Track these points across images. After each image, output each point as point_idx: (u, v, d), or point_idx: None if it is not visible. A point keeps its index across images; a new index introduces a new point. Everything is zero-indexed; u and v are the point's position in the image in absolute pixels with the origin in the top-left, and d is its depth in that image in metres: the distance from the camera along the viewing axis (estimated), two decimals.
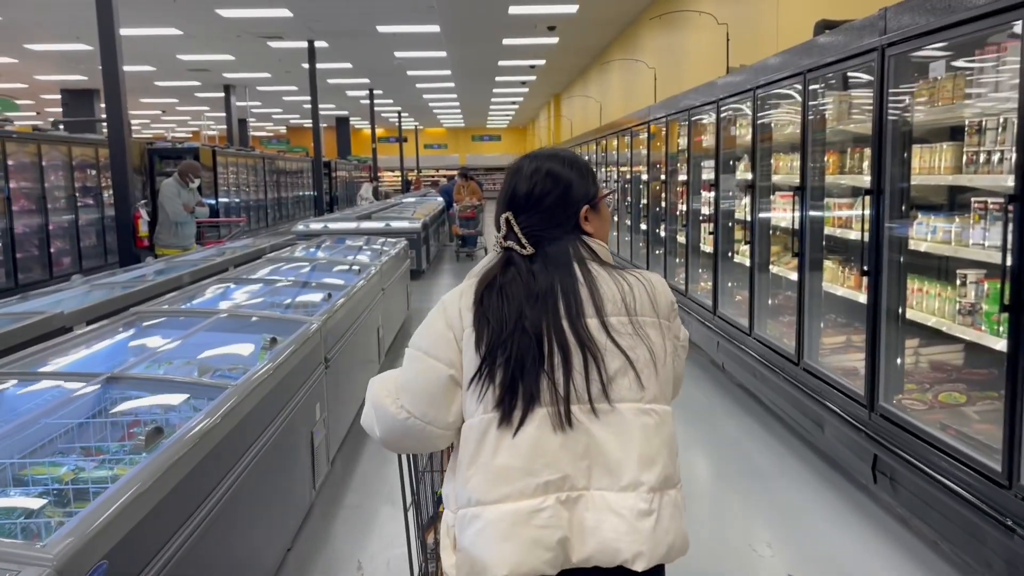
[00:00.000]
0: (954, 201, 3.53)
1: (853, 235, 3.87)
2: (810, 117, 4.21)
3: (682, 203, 7.08)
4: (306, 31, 15.19)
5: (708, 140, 6.29)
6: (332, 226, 11.26)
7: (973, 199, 3.09)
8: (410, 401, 1.57)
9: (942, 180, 3.30)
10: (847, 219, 4.08)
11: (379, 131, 39.57)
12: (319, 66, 18.76)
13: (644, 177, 8.74)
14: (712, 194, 5.97)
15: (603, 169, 11.63)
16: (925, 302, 3.44)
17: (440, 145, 42.13)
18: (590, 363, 1.49)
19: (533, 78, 22.84)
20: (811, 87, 4.15)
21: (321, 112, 32.05)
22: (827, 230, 4.23)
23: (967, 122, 3.11)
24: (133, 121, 35.50)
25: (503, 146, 41.65)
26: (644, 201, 8.79)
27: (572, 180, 1.63)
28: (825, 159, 4.23)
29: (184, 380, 2.85)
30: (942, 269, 3.65)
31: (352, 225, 11.31)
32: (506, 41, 16.48)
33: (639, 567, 1.44)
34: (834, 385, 3.90)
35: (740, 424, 5.12)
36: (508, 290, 1.54)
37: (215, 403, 2.49)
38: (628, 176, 9.72)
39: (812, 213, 4.29)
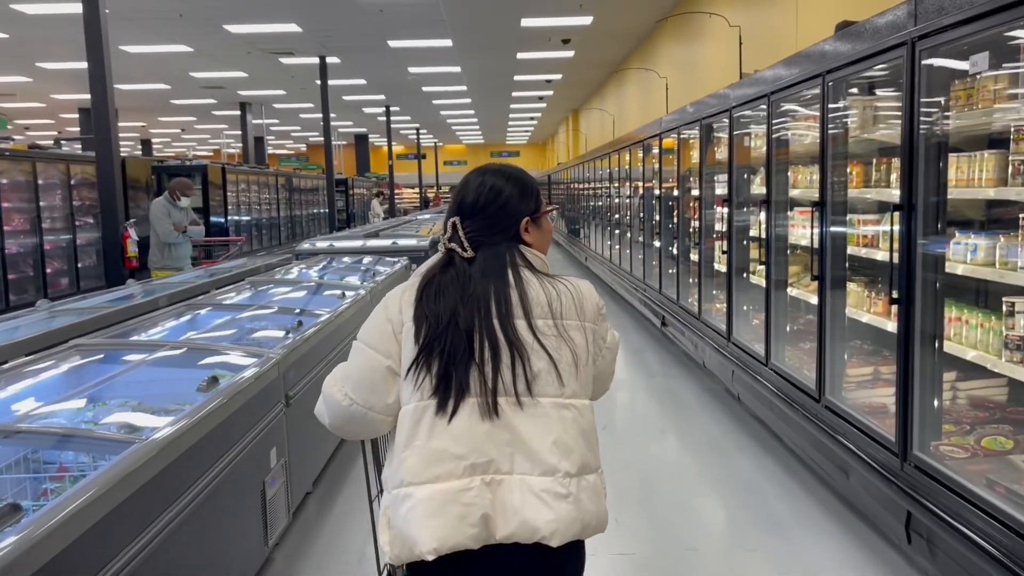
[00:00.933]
0: (997, 218, 3.07)
1: (880, 255, 3.41)
2: (830, 125, 3.77)
3: (695, 219, 6.64)
4: (317, 47, 14.98)
5: (721, 152, 5.85)
6: (337, 244, 10.86)
7: (1022, 215, 2.64)
8: (353, 389, 1.72)
9: (983, 194, 2.85)
10: (873, 237, 3.63)
11: (398, 148, 39.60)
12: (333, 82, 18.62)
13: (656, 192, 8.31)
14: (725, 210, 5.52)
15: (615, 185, 11.20)
16: (965, 332, 2.98)
17: (459, 162, 41.94)
18: (516, 360, 1.64)
19: (550, 93, 22.51)
20: (831, 92, 3.70)
21: (340, 129, 32.67)
22: (850, 249, 3.78)
23: (1012, 128, 2.67)
24: (154, 140, 35.76)
25: (522, 162, 41.32)
26: (657, 217, 8.35)
27: (513, 195, 1.79)
28: (848, 171, 3.79)
29: (81, 433, 2.46)
30: (983, 294, 3.19)
31: (358, 243, 10.94)
32: (521, 55, 16.18)
33: (554, 543, 1.59)
34: (860, 427, 3.43)
35: (757, 463, 4.65)
36: (446, 289, 1.69)
37: (97, 475, 2.07)
38: (640, 191, 9.29)
39: (834, 229, 3.84)
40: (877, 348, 3.91)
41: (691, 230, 6.97)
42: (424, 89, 21.09)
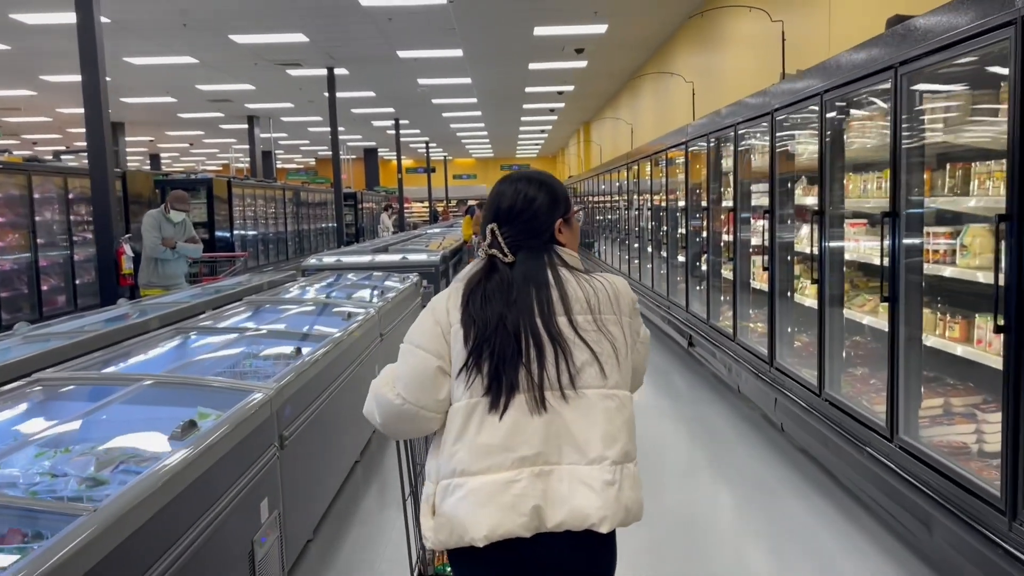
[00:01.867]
0: None
1: (981, 276, 2.92)
2: (904, 126, 3.29)
3: (727, 233, 6.17)
4: (325, 57, 14.63)
5: (760, 160, 5.39)
6: (345, 259, 10.48)
7: None
8: (405, 388, 1.78)
9: None
10: (947, 252, 3.15)
11: (408, 162, 39.31)
12: (341, 95, 18.27)
13: (681, 204, 7.83)
14: (766, 222, 5.05)
15: (633, 197, 10.74)
16: None
17: (469, 175, 41.59)
18: (560, 356, 1.71)
19: (561, 105, 22.12)
20: (907, 87, 3.23)
21: (349, 143, 32.40)
22: (929, 267, 3.29)
23: None
24: (163, 155, 35.54)
25: None
26: (681, 231, 7.88)
27: (545, 201, 1.86)
28: (924, 177, 3.31)
29: (18, 503, 2.00)
30: None
31: (366, 259, 10.52)
32: (533, 65, 15.79)
33: (604, 529, 1.67)
34: (949, 475, 2.94)
35: (810, 506, 4.15)
36: (492, 294, 1.77)
37: (27, 561, 1.62)
38: (664, 203, 8.82)
39: (908, 241, 3.36)
40: (960, 381, 3.42)
41: (721, 244, 6.50)
42: (434, 101, 20.73)
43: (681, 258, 7.78)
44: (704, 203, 6.96)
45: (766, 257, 5.05)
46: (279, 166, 35.82)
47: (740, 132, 5.66)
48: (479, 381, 1.71)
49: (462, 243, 14.41)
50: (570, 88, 19.01)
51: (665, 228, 8.47)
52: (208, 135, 28.09)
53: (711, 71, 10.72)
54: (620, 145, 17.26)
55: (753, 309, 5.74)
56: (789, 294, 4.93)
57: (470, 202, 15.93)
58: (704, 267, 6.95)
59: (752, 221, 5.66)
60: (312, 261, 10.52)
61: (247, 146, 24.25)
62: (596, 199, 16.06)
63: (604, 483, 1.67)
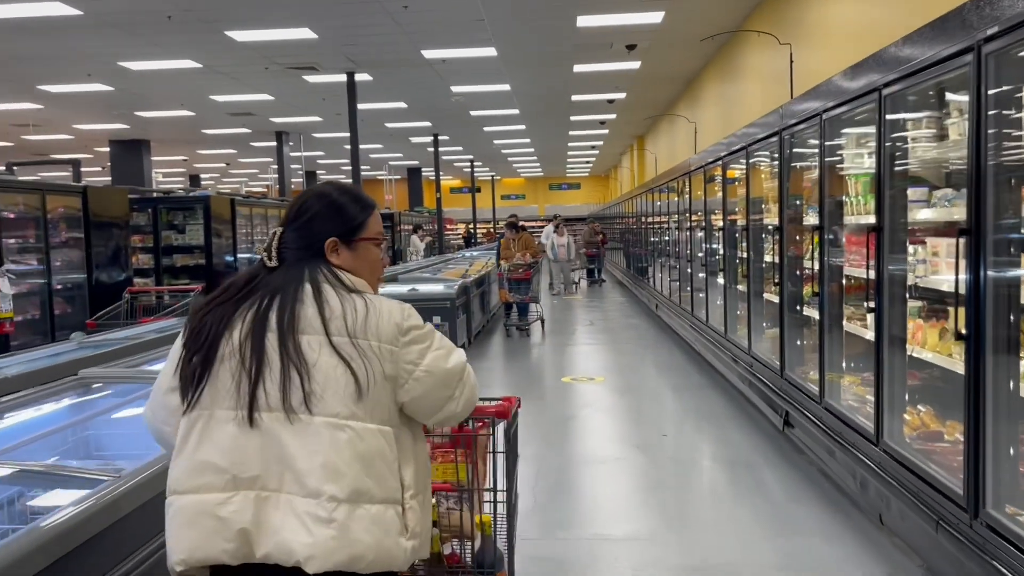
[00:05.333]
0: None
1: None
2: None
3: (808, 258, 4.21)
4: (342, 60, 13.01)
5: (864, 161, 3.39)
6: None
7: None
8: (151, 403, 1.71)
9: None
10: None
11: (454, 182, 37.88)
12: (370, 106, 16.78)
13: (741, 223, 5.89)
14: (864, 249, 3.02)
15: (687, 217, 8.69)
16: None
17: (517, 196, 39.99)
18: (292, 375, 1.56)
19: (612, 116, 20.20)
20: None
21: (391, 162, 31.00)
22: None
23: None
24: (202, 176, 34.70)
25: (583, 195, 39.15)
26: (742, 255, 5.94)
27: (321, 212, 1.72)
28: None
29: None
30: None
31: None
32: (578, 67, 13.92)
33: (311, 569, 1.50)
34: None
35: None
36: (232, 296, 1.65)
37: None
38: (741, 222, 6.78)
39: None
40: None
41: (803, 272, 4.51)
42: (472, 114, 19.05)
43: (741, 287, 5.73)
44: (775, 220, 4.94)
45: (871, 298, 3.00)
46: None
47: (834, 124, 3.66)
48: (190, 392, 1.59)
49: (490, 270, 12.47)
50: (621, 95, 17.08)
51: (743, 255, 6.39)
52: (242, 154, 26.98)
53: (785, 69, 8.63)
54: (679, 153, 15.17)
55: (850, 361, 3.74)
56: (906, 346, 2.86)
57: (502, 222, 14.01)
58: (770, 297, 4.92)
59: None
60: None
61: (293, 166, 22.99)
62: (648, 220, 14.05)
63: (316, 519, 1.51)
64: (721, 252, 7.17)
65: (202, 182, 34.42)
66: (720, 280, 7.21)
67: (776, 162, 5.22)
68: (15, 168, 10.48)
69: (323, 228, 1.70)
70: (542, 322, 11.61)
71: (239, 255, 13.05)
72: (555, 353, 9.98)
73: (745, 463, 5.20)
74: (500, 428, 2.22)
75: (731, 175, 6.89)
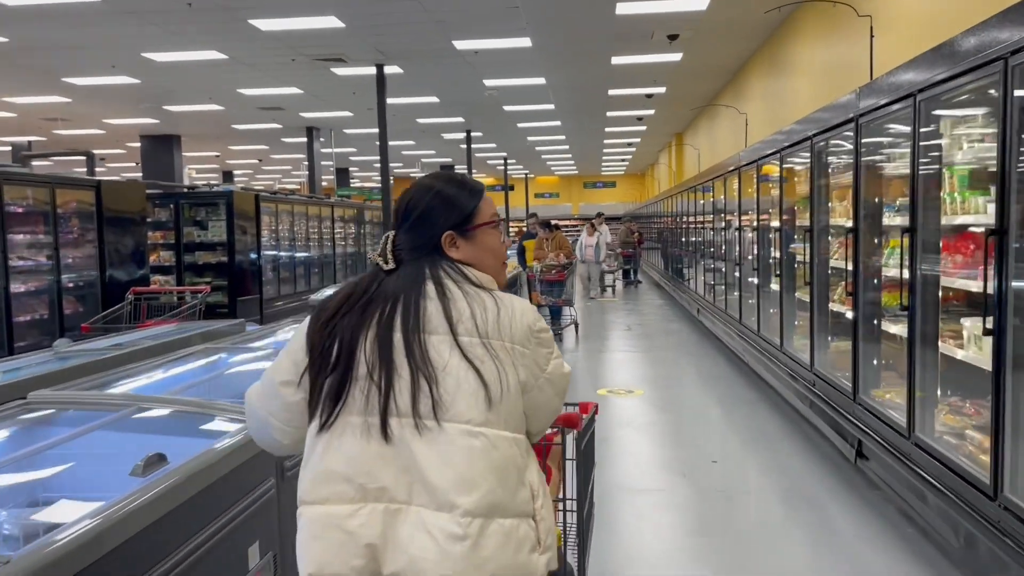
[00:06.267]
0: None
1: None
2: None
3: (888, 264, 3.58)
4: (371, 51, 12.54)
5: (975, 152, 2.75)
6: None
7: None
8: (260, 391, 1.64)
9: None
10: None
11: (487, 180, 37.36)
12: (400, 100, 16.34)
13: (801, 223, 5.25)
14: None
15: (735, 216, 8.02)
16: None
17: (552, 194, 39.34)
18: (420, 379, 1.48)
19: (651, 112, 19.49)
20: None
21: (423, 159, 30.55)
22: None
23: None
24: (236, 172, 34.58)
25: (618, 193, 38.35)
26: (803, 258, 5.30)
27: (433, 205, 1.63)
28: None
29: None
30: None
31: None
32: (616, 59, 13.28)
33: None
34: None
35: None
36: (354, 302, 1.56)
37: None
38: (778, 223, 6.12)
39: None
40: None
41: (881, 280, 3.85)
42: (506, 108, 18.49)
43: (838, 306, 5.05)
44: (850, 222, 4.27)
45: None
46: (356, 184, 34.44)
47: (931, 105, 3.01)
48: (318, 398, 1.52)
49: (517, 273, 11.86)
50: (661, 90, 16.38)
51: (803, 259, 5.71)
52: (274, 150, 26.72)
53: (842, 63, 7.92)
54: (720, 150, 14.43)
55: (949, 392, 3.08)
56: None
57: (529, 220, 13.40)
58: (840, 310, 4.26)
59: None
60: (328, 292, 8.24)
61: (325, 162, 22.63)
62: (686, 219, 13.38)
63: (449, 535, 1.40)
64: (776, 255, 6.51)
65: (235, 179, 34.32)
66: (774, 286, 6.55)
67: (849, 155, 4.56)
68: (31, 161, 10.10)
69: (436, 223, 1.61)
70: (576, 327, 11.00)
71: (263, 252, 12.64)
72: (590, 361, 9.36)
73: (808, 497, 4.55)
74: (571, 436, 2.13)
75: (788, 171, 6.24)
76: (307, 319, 1.64)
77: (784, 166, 6.18)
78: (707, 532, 4.17)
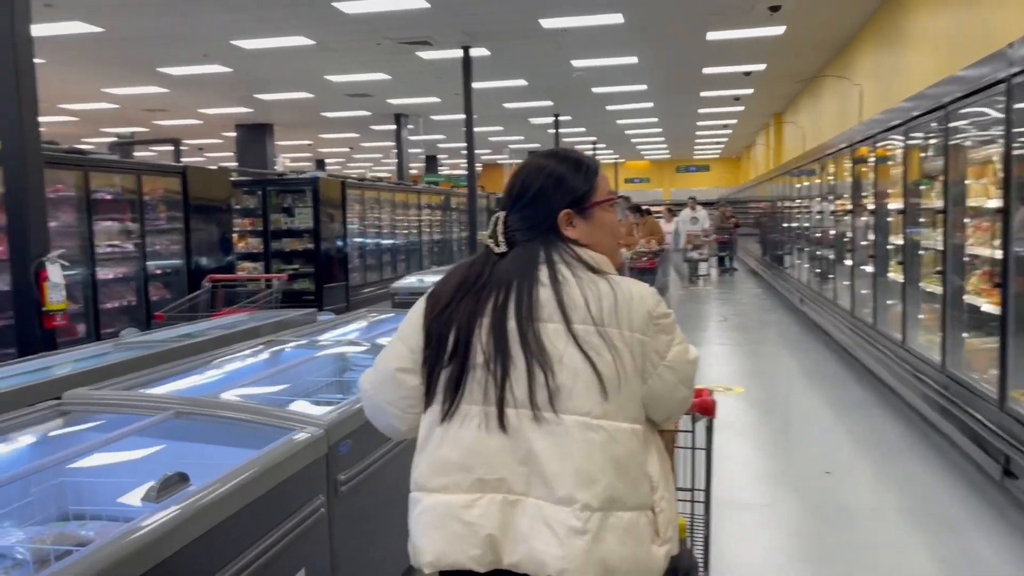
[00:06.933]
0: None
1: None
2: None
3: None
4: (457, 33, 12.24)
5: None
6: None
7: None
8: (374, 378, 1.63)
9: None
10: None
11: None
12: (487, 84, 16.06)
13: (931, 204, 4.57)
14: None
15: (847, 199, 7.31)
16: None
17: (642, 179, 38.41)
18: (536, 369, 1.45)
19: (749, 91, 18.55)
20: None
21: (511, 145, 30.25)
22: None
23: None
24: (328, 160, 35.13)
25: (712, 177, 37.10)
26: (928, 244, 4.65)
27: (549, 182, 1.58)
28: None
29: None
30: None
31: None
32: (712, 35, 12.58)
33: None
34: None
35: None
36: (467, 288, 1.53)
37: None
38: (902, 205, 5.44)
39: None
40: None
41: None
42: (595, 91, 17.93)
43: (975, 299, 4.40)
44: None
45: None
46: (444, 171, 34.47)
47: None
48: (434, 386, 1.51)
49: None
50: (760, 67, 15.50)
51: (937, 245, 5.03)
52: (364, 138, 26.92)
53: (970, 32, 7.07)
54: (826, 134, 13.51)
55: None
56: None
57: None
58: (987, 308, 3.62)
59: None
60: (406, 282, 8.01)
61: (413, 150, 22.64)
62: (788, 203, 12.58)
63: (569, 529, 1.39)
64: (896, 241, 5.83)
65: (327, 167, 34.87)
66: (893, 275, 5.89)
67: (996, 124, 3.91)
68: (133, 151, 10.23)
69: (552, 202, 1.57)
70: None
71: (350, 239, 12.55)
72: None
73: (944, 520, 3.95)
74: (700, 423, 2.07)
75: (913, 146, 5.55)
76: (419, 303, 1.59)
77: (908, 141, 5.50)
78: (823, 557, 3.65)
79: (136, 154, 14.75)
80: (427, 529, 1.46)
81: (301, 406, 2.69)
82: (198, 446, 2.19)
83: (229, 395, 2.45)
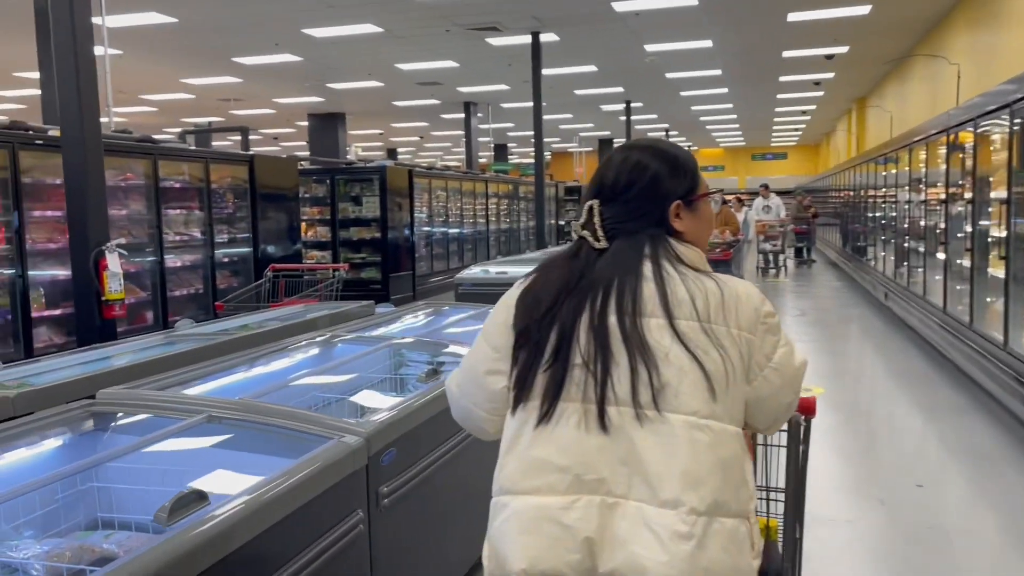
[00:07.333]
0: None
1: None
2: None
3: None
4: (526, 18, 12.00)
5: None
6: (512, 271, 7.75)
7: None
8: (461, 381, 1.59)
9: None
10: None
11: None
12: (557, 71, 15.81)
13: None
14: None
15: (939, 188, 6.78)
16: None
17: (716, 167, 37.48)
18: (639, 367, 1.40)
19: (830, 75, 17.75)
20: None
21: (582, 133, 29.85)
22: None
23: None
24: (400, 149, 35.36)
25: (789, 165, 35.93)
26: None
27: (661, 172, 1.54)
28: None
29: None
30: None
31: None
32: (793, 16, 12.02)
33: None
34: None
35: None
36: (559, 283, 1.47)
37: None
38: (1007, 194, 4.97)
39: None
40: None
41: None
42: (668, 76, 17.44)
43: None
44: None
45: None
46: (515, 160, 34.31)
47: None
48: (527, 384, 1.43)
49: None
50: (843, 49, 14.79)
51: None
52: (434, 127, 26.95)
53: None
54: (912, 120, 12.77)
55: None
56: None
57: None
58: None
59: None
60: (472, 272, 7.86)
61: (483, 138, 22.53)
62: (872, 192, 11.94)
63: (674, 534, 1.31)
64: (999, 233, 5.35)
65: (398, 156, 35.09)
66: (993, 270, 5.43)
67: None
68: (211, 139, 10.33)
69: (663, 193, 1.51)
70: None
71: (416, 228, 12.48)
72: None
73: None
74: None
75: (1017, 134, 5.07)
76: (505, 302, 1.53)
77: (1015, 120, 5.01)
78: None
79: (214, 144, 15.06)
80: (518, 534, 1.37)
81: (344, 408, 2.52)
82: (228, 454, 2.04)
83: (268, 396, 2.29)
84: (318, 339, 3.25)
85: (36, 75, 8.66)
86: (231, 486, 1.73)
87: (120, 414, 2.18)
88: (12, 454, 2.03)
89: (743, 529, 1.37)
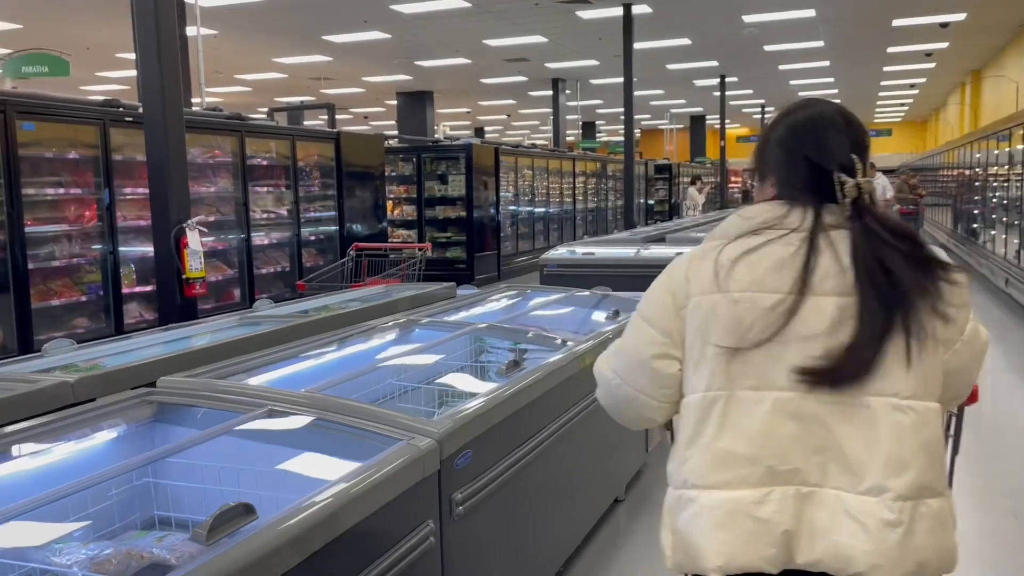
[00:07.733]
0: None
1: None
2: None
3: None
4: None
5: None
6: (600, 252, 7.50)
7: None
8: (622, 367, 1.52)
9: None
10: None
11: (740, 130, 34.91)
12: (649, 44, 15.31)
13: None
14: None
15: None
16: None
17: None
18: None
19: (943, 45, 16.59)
20: None
21: (673, 110, 29.05)
22: None
23: None
24: (487, 128, 35.26)
25: (894, 143, 34.06)
26: None
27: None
28: None
29: None
30: None
31: (630, 252, 7.36)
32: None
33: None
34: None
35: None
36: (797, 253, 1.35)
37: None
38: None
39: None
40: None
41: None
42: (766, 49, 16.66)
43: None
44: None
45: None
46: (603, 139, 33.74)
47: None
48: (720, 374, 1.34)
49: None
50: (959, 16, 13.76)
51: None
52: (521, 104, 26.69)
53: None
54: None
55: None
56: None
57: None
58: None
59: None
60: (557, 252, 7.62)
61: (570, 116, 22.20)
62: (990, 170, 11.07)
63: (882, 522, 1.26)
64: None
65: (486, 134, 35.01)
66: None
67: None
68: (302, 117, 10.38)
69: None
70: None
71: (502, 207, 12.29)
72: None
73: None
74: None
75: None
76: (667, 283, 1.44)
77: None
78: None
79: (305, 123, 15.22)
80: (712, 530, 1.32)
81: (419, 397, 2.32)
82: (287, 452, 1.87)
83: (336, 388, 2.12)
84: (392, 323, 3.07)
85: (134, 56, 8.85)
86: (286, 493, 1.55)
87: (179, 404, 2.04)
88: (67, 446, 1.91)
89: (947, 507, 1.33)
